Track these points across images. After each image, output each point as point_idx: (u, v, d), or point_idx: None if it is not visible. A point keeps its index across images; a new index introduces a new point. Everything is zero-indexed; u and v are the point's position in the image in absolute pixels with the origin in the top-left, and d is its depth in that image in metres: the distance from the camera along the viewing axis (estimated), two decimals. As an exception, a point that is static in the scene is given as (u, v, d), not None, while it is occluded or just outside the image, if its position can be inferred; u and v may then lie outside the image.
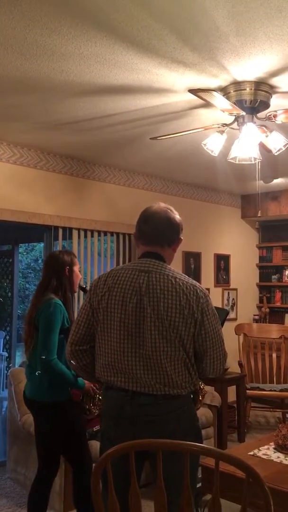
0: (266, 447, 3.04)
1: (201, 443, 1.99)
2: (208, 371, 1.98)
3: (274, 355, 5.38)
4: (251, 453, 2.94)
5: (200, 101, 2.92)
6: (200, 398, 2.68)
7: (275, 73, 2.66)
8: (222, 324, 2.10)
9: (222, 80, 2.76)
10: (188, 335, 1.91)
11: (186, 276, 2.01)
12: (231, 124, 3.00)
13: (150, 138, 3.54)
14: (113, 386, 1.95)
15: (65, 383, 2.64)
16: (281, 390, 5.02)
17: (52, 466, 2.77)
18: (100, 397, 2.79)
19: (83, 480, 2.71)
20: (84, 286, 3.00)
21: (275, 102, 2.99)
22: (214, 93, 2.57)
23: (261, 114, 2.93)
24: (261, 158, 2.98)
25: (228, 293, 6.13)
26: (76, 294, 3.03)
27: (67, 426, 2.69)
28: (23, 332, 2.80)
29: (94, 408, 2.84)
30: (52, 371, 2.60)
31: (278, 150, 3.10)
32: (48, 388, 2.65)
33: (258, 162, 3.05)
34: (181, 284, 1.94)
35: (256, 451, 2.98)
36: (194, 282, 2.00)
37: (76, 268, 2.85)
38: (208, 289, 5.38)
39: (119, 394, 1.93)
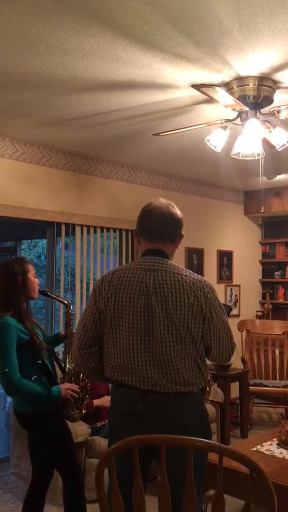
0: (269, 443, 3.05)
1: (210, 438, 1.99)
2: (214, 359, 2.02)
3: (277, 351, 5.38)
4: (254, 449, 2.94)
5: (203, 97, 2.91)
6: (208, 389, 2.70)
7: (278, 68, 2.65)
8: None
9: (226, 75, 2.75)
10: (198, 332, 1.92)
11: (191, 272, 2.01)
12: (234, 119, 2.99)
13: (153, 134, 3.53)
14: (123, 384, 1.95)
15: (37, 399, 2.50)
16: (283, 386, 5.02)
17: (45, 477, 2.69)
18: (85, 401, 2.70)
19: (75, 488, 2.62)
20: (44, 290, 2.89)
21: (279, 97, 2.97)
22: (218, 88, 2.56)
23: (265, 110, 2.92)
24: (264, 154, 2.97)
25: (231, 289, 6.12)
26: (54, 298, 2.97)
27: (53, 435, 2.58)
28: None
29: (78, 413, 2.68)
30: (19, 391, 2.47)
31: (282, 146, 3.10)
32: (24, 399, 2.55)
33: (261, 158, 3.04)
34: (188, 281, 1.94)
35: (259, 447, 2.98)
36: (200, 277, 2.00)
37: (30, 275, 2.68)
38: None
39: (130, 392, 1.93)
